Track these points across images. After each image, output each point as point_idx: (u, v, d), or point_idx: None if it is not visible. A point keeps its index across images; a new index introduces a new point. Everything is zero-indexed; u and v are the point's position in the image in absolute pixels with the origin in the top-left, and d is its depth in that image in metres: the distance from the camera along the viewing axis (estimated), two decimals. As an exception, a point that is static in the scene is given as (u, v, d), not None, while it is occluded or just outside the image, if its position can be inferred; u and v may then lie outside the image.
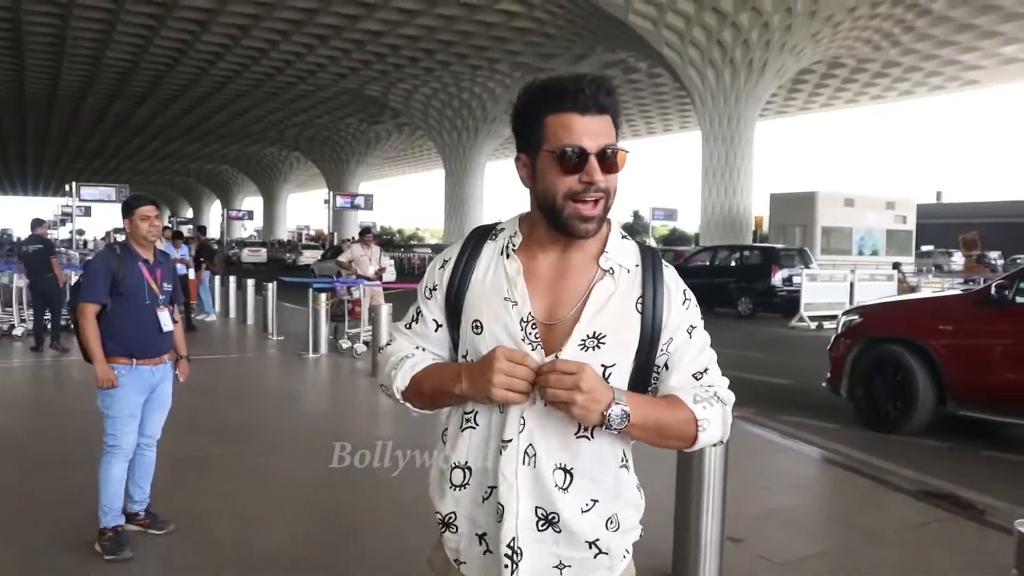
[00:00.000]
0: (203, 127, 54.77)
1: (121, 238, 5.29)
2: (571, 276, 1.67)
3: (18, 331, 13.31)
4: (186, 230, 35.84)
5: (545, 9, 29.26)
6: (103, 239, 50.45)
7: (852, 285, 18.81)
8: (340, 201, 47.27)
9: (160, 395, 4.62)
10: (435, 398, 1.70)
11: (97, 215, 32.84)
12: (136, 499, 4.65)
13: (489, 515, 1.66)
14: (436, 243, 59.21)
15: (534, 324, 1.63)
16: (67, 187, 32.83)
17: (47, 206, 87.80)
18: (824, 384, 8.47)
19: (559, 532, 1.65)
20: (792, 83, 38.96)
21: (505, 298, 1.65)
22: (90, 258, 4.52)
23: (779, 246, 23.40)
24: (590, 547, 1.67)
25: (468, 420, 1.68)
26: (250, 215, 77.17)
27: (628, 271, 1.70)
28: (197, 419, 7.21)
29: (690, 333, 1.72)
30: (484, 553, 1.68)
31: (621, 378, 1.65)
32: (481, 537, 1.68)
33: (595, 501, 1.66)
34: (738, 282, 20.85)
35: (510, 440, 1.63)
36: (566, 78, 1.61)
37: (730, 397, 1.74)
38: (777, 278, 19.90)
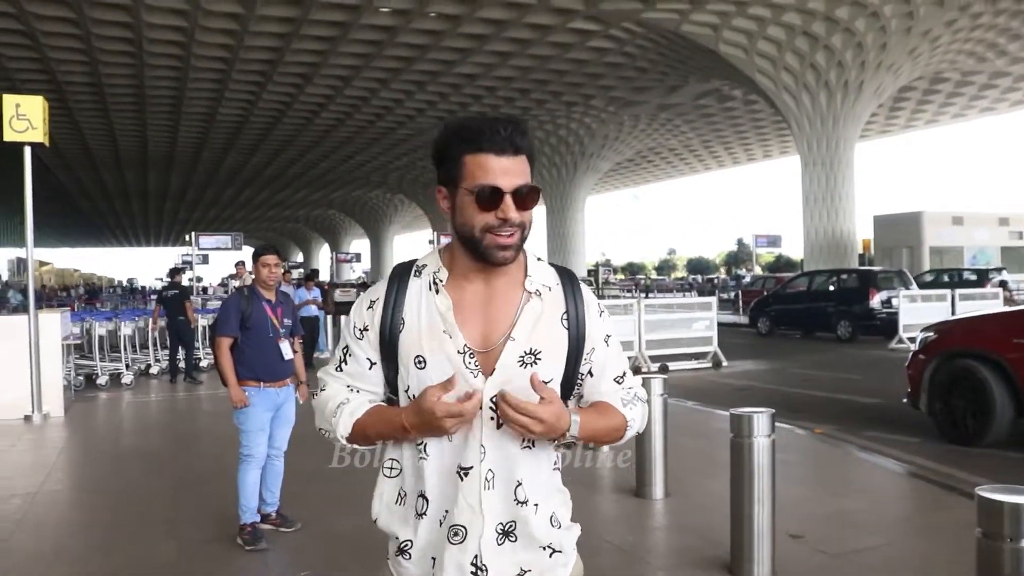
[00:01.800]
0: (310, 174, 57.05)
1: (235, 283, 6.21)
2: (498, 302, 1.78)
3: (154, 369, 14.54)
4: (296, 274, 37.50)
5: (635, 44, 29.76)
6: (220, 285, 53.03)
7: (953, 306, 18.55)
8: (444, 241, 48.48)
9: (285, 413, 5.42)
10: (383, 439, 1.80)
11: (214, 262, 34.63)
12: (268, 502, 5.43)
13: (443, 538, 1.74)
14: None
15: (471, 353, 1.73)
16: (186, 237, 34.81)
17: (169, 255, 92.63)
18: (904, 400, 8.70)
19: (515, 541, 1.76)
20: (893, 101, 38.24)
21: (443, 331, 1.74)
22: (223, 299, 5.41)
23: (876, 268, 23.20)
24: (544, 549, 1.80)
25: (420, 451, 1.76)
26: (358, 257, 79.60)
27: (550, 289, 1.82)
28: (317, 439, 7.99)
29: (607, 341, 1.87)
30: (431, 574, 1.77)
31: (555, 389, 1.77)
32: (434, 560, 1.76)
33: (536, 505, 1.78)
34: (837, 306, 20.80)
35: (471, 467, 1.73)
36: (483, 120, 1.71)
37: (644, 394, 1.93)
38: (876, 301, 19.80)
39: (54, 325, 10.71)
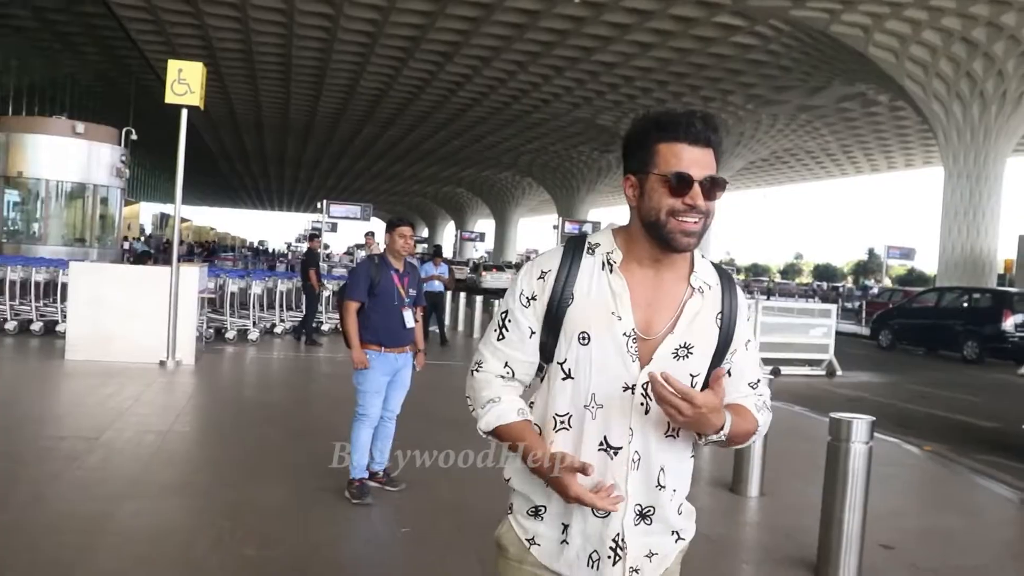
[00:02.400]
0: (442, 151, 58.09)
1: (363, 253, 6.51)
2: (665, 292, 1.84)
3: (278, 329, 15.27)
4: (421, 248, 38.27)
5: (780, 42, 29.12)
6: (346, 253, 54.57)
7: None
8: (569, 227, 48.65)
9: (401, 378, 5.70)
10: (512, 451, 1.87)
11: (342, 231, 35.72)
12: (377, 460, 5.74)
13: (577, 511, 1.81)
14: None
15: (635, 339, 1.79)
16: (318, 204, 35.95)
17: (300, 221, 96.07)
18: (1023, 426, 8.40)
19: (650, 524, 1.83)
20: (1054, 116, 36.21)
21: (612, 312, 1.79)
22: (355, 265, 5.71)
23: (1013, 289, 22.09)
24: (672, 534, 1.89)
25: (562, 422, 1.83)
26: (482, 237, 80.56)
27: (711, 288, 1.88)
28: (429, 411, 8.32)
29: (747, 346, 1.93)
30: (561, 543, 1.84)
31: (700, 384, 1.85)
32: (565, 527, 1.83)
33: (675, 491, 1.87)
34: (966, 325, 19.95)
35: (620, 447, 1.80)
36: (680, 112, 1.78)
37: (770, 402, 2.00)
38: (1009, 323, 18.88)
39: (192, 279, 11.39)
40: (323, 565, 4.37)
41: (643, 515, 1.82)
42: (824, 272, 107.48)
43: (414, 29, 29.76)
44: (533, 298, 1.85)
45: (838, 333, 16.47)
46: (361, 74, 36.43)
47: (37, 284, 13.06)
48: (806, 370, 14.93)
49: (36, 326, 12.82)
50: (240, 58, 35.10)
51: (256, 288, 14.76)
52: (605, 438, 1.79)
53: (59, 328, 12.32)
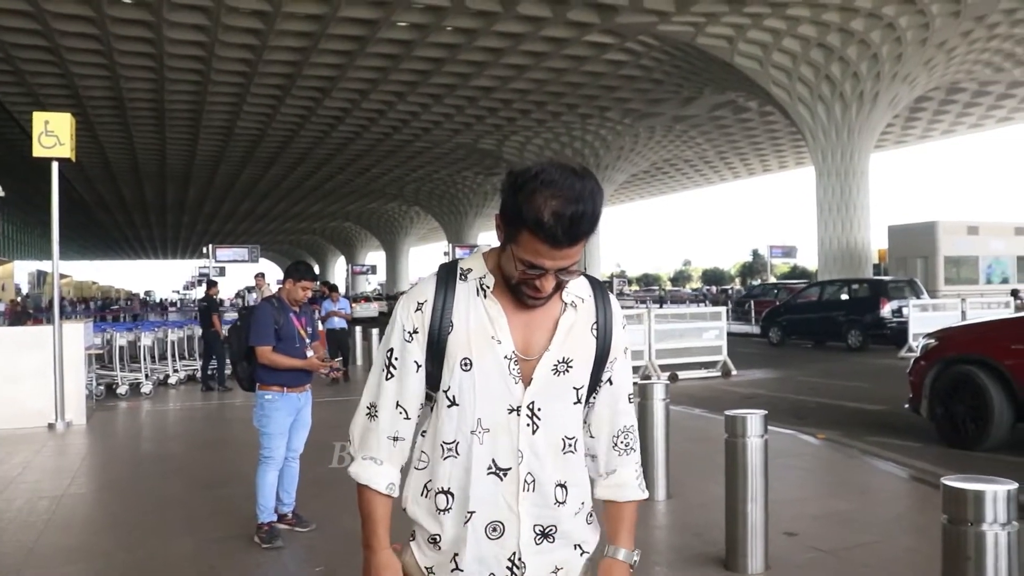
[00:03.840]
0: (326, 187, 57.56)
1: (254, 295, 6.44)
2: (539, 312, 1.84)
3: (172, 380, 14.83)
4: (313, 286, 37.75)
5: (651, 56, 30.01)
6: (236, 296, 53.39)
7: (964, 314, 18.64)
8: (459, 252, 48.82)
9: (303, 417, 5.68)
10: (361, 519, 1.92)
11: (230, 274, 34.84)
12: (285, 502, 5.67)
13: (470, 538, 1.80)
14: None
15: (516, 360, 1.80)
16: (203, 249, 35.15)
17: (186, 268, 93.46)
18: (906, 405, 8.86)
19: (553, 542, 1.83)
20: (909, 111, 38.30)
21: (492, 336, 1.80)
22: (258, 311, 5.62)
23: (887, 278, 23.25)
24: (576, 548, 1.88)
25: (449, 449, 1.82)
26: (373, 269, 80.00)
27: (583, 300, 1.90)
28: (329, 445, 8.23)
29: (625, 352, 1.96)
30: (452, 571, 1.82)
31: (584, 396, 1.88)
32: (454, 557, 1.82)
33: (582, 503, 1.88)
34: (847, 315, 20.90)
35: (508, 468, 1.79)
36: (554, 208, 1.64)
37: (636, 435, 2.00)
38: (886, 310, 19.90)
39: (77, 335, 10.99)
40: (239, 614, 4.28)
41: (545, 534, 1.82)
42: (712, 276, 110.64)
43: (288, 66, 29.49)
44: (415, 331, 1.84)
45: (730, 334, 17.02)
46: (238, 115, 35.87)
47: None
48: (702, 372, 15.37)
49: (-91, 400, 12.12)
50: (110, 106, 34.08)
51: (146, 340, 14.34)
52: (493, 460, 1.79)
53: (-66, 400, 11.67)
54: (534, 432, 1.80)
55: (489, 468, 1.79)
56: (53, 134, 10.15)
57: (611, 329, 1.91)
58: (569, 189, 1.65)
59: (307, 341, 5.65)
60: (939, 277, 31.63)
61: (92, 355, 12.37)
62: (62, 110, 11.28)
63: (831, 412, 11.02)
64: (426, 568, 1.86)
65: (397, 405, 1.87)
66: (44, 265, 60.67)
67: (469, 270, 1.88)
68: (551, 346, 1.82)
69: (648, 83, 33.30)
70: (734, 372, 15.49)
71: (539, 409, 1.80)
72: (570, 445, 1.85)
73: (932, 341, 8.72)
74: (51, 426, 10.25)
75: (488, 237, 70.87)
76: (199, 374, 14.70)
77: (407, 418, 1.88)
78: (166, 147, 42.47)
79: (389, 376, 1.87)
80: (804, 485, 6.86)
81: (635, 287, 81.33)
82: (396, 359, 1.86)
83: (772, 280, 56.54)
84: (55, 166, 10.51)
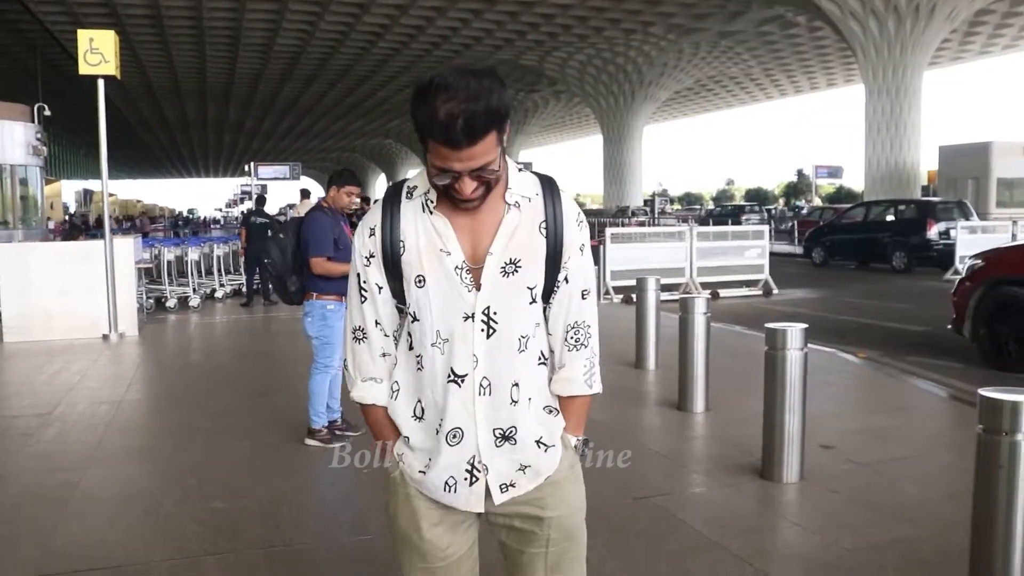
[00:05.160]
0: (366, 104, 57.28)
1: (294, 212, 6.47)
2: (484, 216, 1.85)
3: (219, 293, 15.16)
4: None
5: (697, -32, 29.23)
6: (279, 214, 53.98)
7: (1014, 237, 18.29)
8: (500, 167, 48.61)
9: None
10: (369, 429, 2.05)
11: (271, 192, 35.06)
12: (334, 409, 5.89)
13: (433, 446, 1.89)
14: (597, 208, 59.76)
15: (468, 269, 1.83)
16: (245, 167, 35.37)
17: (227, 186, 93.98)
18: (949, 327, 8.82)
19: (515, 444, 1.88)
20: (968, 25, 36.86)
21: (441, 249, 1.83)
22: (314, 221, 5.63)
23: (935, 199, 22.78)
24: (538, 445, 1.91)
25: (419, 361, 1.90)
26: (415, 187, 79.80)
27: (530, 200, 1.88)
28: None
29: (581, 250, 1.94)
30: (419, 471, 1.91)
31: (539, 294, 1.89)
32: (430, 459, 1.90)
33: (530, 399, 1.91)
34: (892, 237, 20.61)
35: (465, 375, 1.84)
36: (445, 107, 1.66)
37: (592, 333, 1.98)
38: (933, 232, 19.58)
39: (127, 250, 11.25)
40: (292, 510, 4.49)
41: (506, 436, 1.87)
42: (756, 196, 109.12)
43: (328, -20, 29.14)
44: (371, 256, 1.90)
45: (774, 254, 16.92)
46: (277, 32, 35.61)
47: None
48: (744, 291, 15.35)
49: (-31, 312, 12.55)
50: (149, 24, 34.00)
51: (193, 255, 14.62)
52: (452, 369, 1.84)
53: (-7, 312, 12.08)
54: (488, 336, 1.84)
55: (448, 376, 1.85)
56: (98, 51, 10.22)
57: (561, 227, 1.89)
58: (463, 90, 1.66)
59: None
60: (991, 199, 30.86)
61: (141, 269, 12.67)
62: (102, 28, 11.31)
63: (873, 332, 11.01)
64: (398, 454, 1.96)
65: (377, 324, 1.94)
66: (90, 184, 61.51)
67: (415, 187, 1.91)
68: (493, 248, 1.84)
69: (693, -3, 32.45)
70: (775, 291, 15.46)
71: (495, 313, 1.84)
72: (523, 343, 1.88)
73: (978, 262, 8.63)
74: (105, 337, 10.58)
75: (530, 154, 70.46)
76: (244, 288, 14.91)
77: (387, 335, 1.95)
78: (206, 65, 42.42)
79: (363, 299, 1.93)
80: (843, 401, 6.92)
81: (677, 206, 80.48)
82: (365, 283, 1.92)
83: (817, 201, 55.72)
84: (101, 83, 10.62)
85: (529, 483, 1.91)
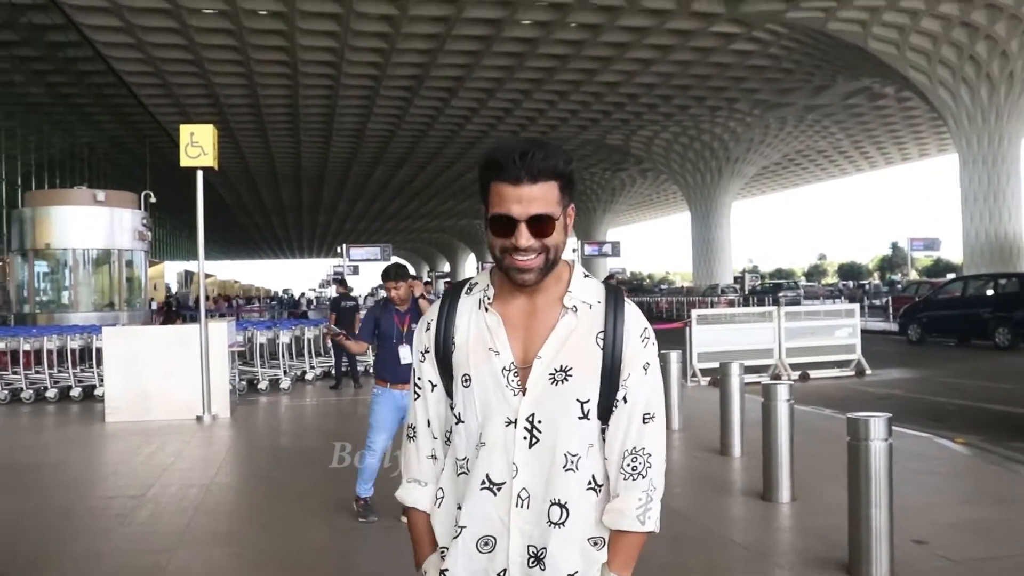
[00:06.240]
0: (455, 185, 58.51)
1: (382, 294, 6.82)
2: (539, 318, 1.79)
3: (309, 376, 15.49)
4: (442, 284, 38.69)
5: (780, 45, 29.26)
6: (369, 295, 55.21)
7: None
8: (588, 249, 48.60)
9: None
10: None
11: (363, 272, 36.05)
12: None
13: (459, 551, 1.78)
14: (687, 286, 59.25)
15: (516, 372, 1.75)
16: (337, 249, 36.42)
17: (321, 266, 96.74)
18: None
19: (544, 570, 1.74)
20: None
21: (489, 348, 1.77)
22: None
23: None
24: None
25: (462, 466, 1.81)
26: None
27: (591, 307, 1.80)
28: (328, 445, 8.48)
29: (645, 369, 1.81)
30: None
31: (593, 411, 1.77)
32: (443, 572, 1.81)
33: (578, 529, 1.77)
34: (994, 312, 19.84)
35: (502, 483, 1.75)
36: (507, 147, 1.71)
37: (657, 454, 1.82)
38: (1039, 306, 18.80)
39: (221, 333, 11.63)
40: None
41: (538, 558, 1.74)
42: (849, 271, 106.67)
43: (416, 68, 30.25)
44: (426, 351, 1.86)
45: (866, 332, 16.49)
46: (368, 116, 36.96)
47: (73, 351, 13.36)
48: (835, 371, 14.94)
49: (75, 392, 13.10)
50: (249, 113, 35.77)
51: (284, 337, 15.00)
52: (487, 475, 1.76)
53: (97, 392, 12.59)
54: (531, 446, 1.74)
55: (483, 483, 1.76)
56: (198, 145, 10.79)
57: (621, 340, 1.78)
58: (520, 140, 1.72)
59: (404, 336, 5.97)
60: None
61: (235, 352, 13.05)
62: (205, 120, 11.98)
63: (973, 415, 10.56)
64: (424, 572, 1.90)
65: (428, 424, 1.89)
66: (191, 265, 64.10)
67: (475, 284, 1.89)
68: (543, 351, 1.76)
69: (778, 72, 32.50)
70: (868, 371, 15.00)
71: (539, 422, 1.74)
72: (572, 462, 1.76)
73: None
74: (199, 418, 10.90)
75: (617, 232, 70.62)
76: (333, 371, 15.18)
77: (435, 437, 1.89)
78: (301, 150, 44.21)
79: (417, 396, 1.90)
80: (938, 492, 6.64)
81: (764, 283, 79.26)
82: (419, 379, 1.89)
83: (913, 275, 54.16)
84: (199, 174, 11.19)
85: None
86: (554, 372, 1.75)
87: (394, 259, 7.09)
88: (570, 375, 1.75)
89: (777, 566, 4.95)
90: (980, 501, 6.33)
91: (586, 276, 1.87)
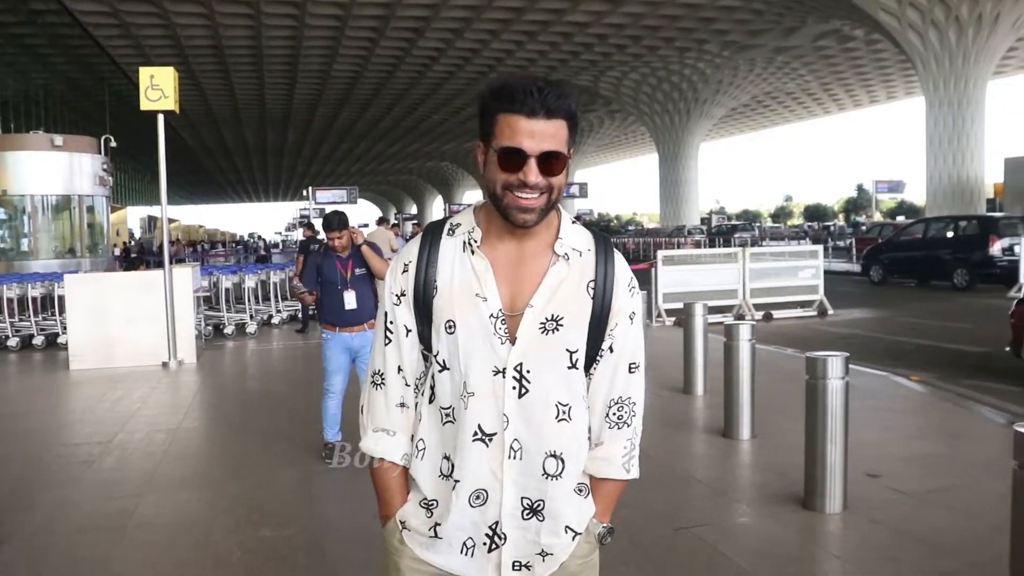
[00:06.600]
0: (422, 127, 58.03)
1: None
2: (528, 264, 1.73)
3: (275, 320, 15.44)
4: (411, 225, 38.51)
5: (751, -15, 29.08)
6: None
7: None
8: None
9: (365, 355, 6.05)
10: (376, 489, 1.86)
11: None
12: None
13: (454, 504, 1.72)
14: (653, 227, 59.44)
15: (503, 319, 1.69)
16: (303, 192, 36.07)
17: (286, 210, 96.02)
18: (1007, 349, 8.62)
19: (542, 520, 1.72)
20: (1034, 33, 36.04)
21: (476, 294, 1.70)
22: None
23: (998, 215, 22.19)
24: (566, 531, 1.75)
25: (447, 415, 1.74)
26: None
27: (581, 255, 1.76)
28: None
29: (631, 319, 1.79)
30: (431, 536, 1.76)
31: (580, 360, 1.74)
32: (434, 526, 1.76)
33: (570, 476, 1.75)
34: (954, 254, 20.14)
35: (494, 434, 1.69)
36: (523, 80, 1.65)
37: (638, 403, 1.83)
38: (996, 248, 19.09)
39: (186, 279, 11.55)
40: (336, 538, 4.60)
41: (533, 509, 1.72)
42: (815, 212, 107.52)
43: (382, 8, 29.74)
44: (402, 294, 1.77)
45: (830, 272, 16.71)
46: (334, 58, 36.37)
47: (34, 299, 13.20)
48: (798, 312, 15.16)
49: (38, 340, 12.99)
50: (211, 55, 35.03)
51: (250, 282, 14.93)
52: (479, 426, 1.69)
53: (60, 340, 12.49)
54: (521, 396, 1.69)
55: (475, 434, 1.70)
56: (158, 88, 10.58)
57: (611, 289, 1.75)
58: (529, 75, 1.68)
59: (348, 282, 6.10)
60: (1063, 214, 30.00)
61: (200, 297, 12.98)
62: (166, 62, 11.74)
63: (929, 353, 10.80)
64: (401, 522, 1.81)
65: (399, 370, 1.80)
66: (154, 210, 63.20)
67: (458, 225, 1.79)
68: (534, 300, 1.70)
69: (748, 13, 32.32)
70: (831, 311, 15.24)
71: (527, 371, 1.69)
72: (564, 412, 1.72)
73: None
74: (165, 364, 10.88)
75: (586, 173, 70.47)
76: (300, 314, 15.13)
77: (407, 384, 1.81)
78: (265, 92, 43.47)
79: (388, 341, 1.80)
80: (892, 427, 6.82)
81: (737, 222, 79.78)
82: (391, 323, 1.79)
83: (877, 217, 54.73)
84: (160, 118, 10.99)
85: (546, 570, 1.75)
86: (544, 321, 1.70)
87: (333, 208, 7.10)
88: (561, 325, 1.71)
89: (736, 501, 5.08)
90: (932, 436, 6.53)
91: (573, 222, 1.82)
